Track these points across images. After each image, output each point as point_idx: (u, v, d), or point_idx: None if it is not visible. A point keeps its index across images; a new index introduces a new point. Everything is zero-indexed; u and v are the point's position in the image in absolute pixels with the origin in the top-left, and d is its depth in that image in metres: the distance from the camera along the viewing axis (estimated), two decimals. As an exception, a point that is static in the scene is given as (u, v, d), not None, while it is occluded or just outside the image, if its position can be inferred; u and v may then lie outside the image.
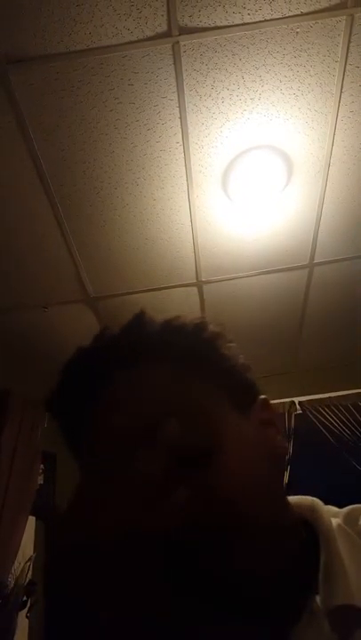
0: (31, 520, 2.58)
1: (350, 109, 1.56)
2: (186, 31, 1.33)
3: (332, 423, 2.64)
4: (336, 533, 0.46)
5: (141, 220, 1.87)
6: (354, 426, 2.61)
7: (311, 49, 1.39)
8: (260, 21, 1.33)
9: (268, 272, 2.19)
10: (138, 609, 0.35)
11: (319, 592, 0.41)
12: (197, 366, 0.48)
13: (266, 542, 0.41)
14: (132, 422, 0.43)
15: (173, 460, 0.39)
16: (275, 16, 1.32)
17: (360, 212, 1.92)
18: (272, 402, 0.54)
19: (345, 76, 1.47)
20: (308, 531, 0.47)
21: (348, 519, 0.48)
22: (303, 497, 0.52)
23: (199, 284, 2.22)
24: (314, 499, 0.51)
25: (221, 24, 1.32)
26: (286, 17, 1.32)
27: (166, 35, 1.33)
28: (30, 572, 2.37)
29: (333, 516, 0.49)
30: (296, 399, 2.73)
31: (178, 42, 1.35)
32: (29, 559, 2.41)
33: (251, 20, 1.32)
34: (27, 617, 2.30)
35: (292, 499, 0.51)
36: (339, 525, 0.47)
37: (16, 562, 2.30)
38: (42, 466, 2.68)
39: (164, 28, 1.32)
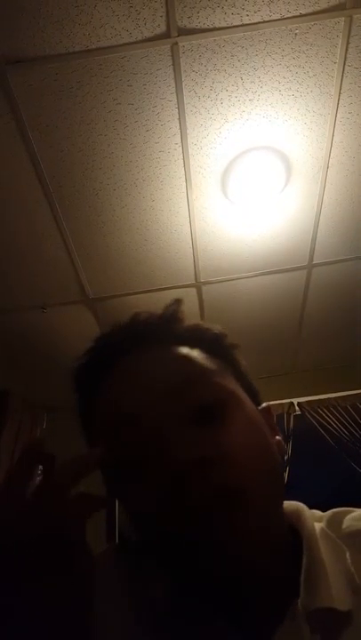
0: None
1: (349, 110, 1.56)
2: (185, 32, 1.33)
3: (330, 424, 2.64)
4: (318, 537, 0.47)
5: (140, 221, 1.87)
6: (353, 427, 2.61)
7: (310, 50, 1.40)
8: (259, 22, 1.33)
9: (267, 273, 2.19)
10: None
11: (301, 595, 0.42)
12: (222, 360, 0.52)
13: (263, 518, 0.42)
14: (169, 377, 0.48)
15: (195, 415, 0.44)
16: (273, 17, 1.32)
17: (359, 212, 1.92)
18: (271, 403, 0.57)
19: (344, 77, 1.47)
20: (294, 535, 0.48)
21: (331, 523, 0.49)
22: (289, 502, 0.53)
23: (198, 285, 2.22)
24: (299, 504, 0.52)
25: (220, 25, 1.33)
26: (285, 18, 1.32)
27: (165, 36, 1.33)
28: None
29: (317, 520, 0.50)
30: (295, 400, 2.73)
31: (177, 43, 1.35)
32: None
33: (249, 22, 1.32)
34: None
35: None
36: (322, 529, 0.48)
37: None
38: (40, 467, 2.68)
39: (163, 29, 1.32)
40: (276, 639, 0.40)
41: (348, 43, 1.39)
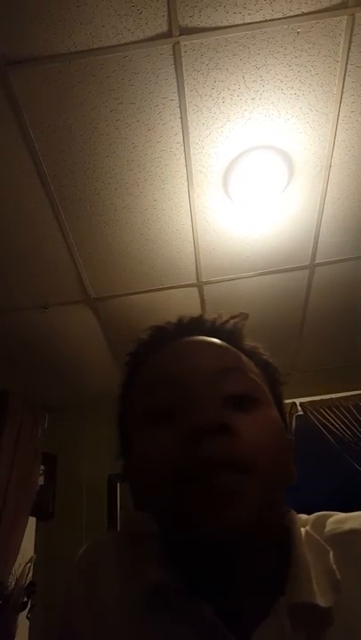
0: (31, 521, 2.58)
1: (351, 109, 1.55)
2: (186, 31, 1.33)
3: (333, 424, 2.64)
4: (304, 540, 0.49)
5: (142, 221, 1.87)
6: (355, 427, 2.61)
7: (312, 49, 1.39)
8: (261, 21, 1.32)
9: (268, 272, 2.18)
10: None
11: (285, 593, 0.44)
12: (270, 388, 0.56)
13: (258, 504, 0.43)
14: (215, 360, 0.52)
15: (227, 398, 0.48)
16: (276, 16, 1.32)
17: (361, 212, 1.92)
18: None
19: (346, 76, 1.46)
20: (286, 537, 0.50)
21: (315, 525, 0.52)
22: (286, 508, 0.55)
23: (200, 285, 2.22)
24: (290, 509, 0.54)
25: (222, 24, 1.32)
26: (287, 17, 1.32)
27: (167, 35, 1.33)
28: (30, 573, 2.37)
29: (303, 524, 0.52)
30: (297, 400, 2.73)
31: (178, 42, 1.35)
32: (30, 560, 2.41)
33: (251, 20, 1.32)
34: (27, 618, 2.30)
35: None
36: (307, 532, 0.51)
37: (16, 563, 2.30)
38: (42, 466, 2.68)
39: (165, 28, 1.32)
40: (257, 633, 0.42)
41: (350, 41, 1.38)
